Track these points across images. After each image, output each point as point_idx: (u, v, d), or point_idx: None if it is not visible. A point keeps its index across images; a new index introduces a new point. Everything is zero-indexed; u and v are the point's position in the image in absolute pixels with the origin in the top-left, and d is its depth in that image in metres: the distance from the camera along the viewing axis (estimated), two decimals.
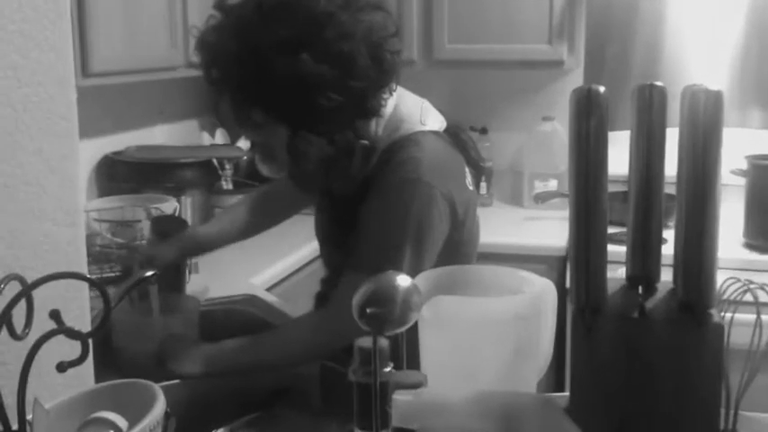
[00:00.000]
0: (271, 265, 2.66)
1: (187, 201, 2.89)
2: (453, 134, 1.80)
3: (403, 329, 1.01)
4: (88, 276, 1.00)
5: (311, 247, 2.64)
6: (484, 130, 3.67)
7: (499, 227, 3.26)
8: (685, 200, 1.06)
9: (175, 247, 2.01)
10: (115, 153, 2.95)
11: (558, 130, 3.54)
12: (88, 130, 2.86)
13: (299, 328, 1.76)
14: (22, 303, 0.96)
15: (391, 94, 1.70)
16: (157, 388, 1.05)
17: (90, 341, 0.98)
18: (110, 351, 1.77)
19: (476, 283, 1.31)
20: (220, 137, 3.43)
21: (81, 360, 0.97)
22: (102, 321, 0.97)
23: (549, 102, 3.60)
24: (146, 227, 2.26)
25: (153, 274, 1.80)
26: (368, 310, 0.98)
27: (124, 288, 1.70)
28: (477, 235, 1.83)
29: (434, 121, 1.76)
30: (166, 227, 2.04)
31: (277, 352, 1.69)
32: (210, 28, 1.60)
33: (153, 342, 1.75)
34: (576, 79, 3.57)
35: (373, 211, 1.66)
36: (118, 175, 2.87)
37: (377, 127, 1.70)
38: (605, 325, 1.08)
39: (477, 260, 1.85)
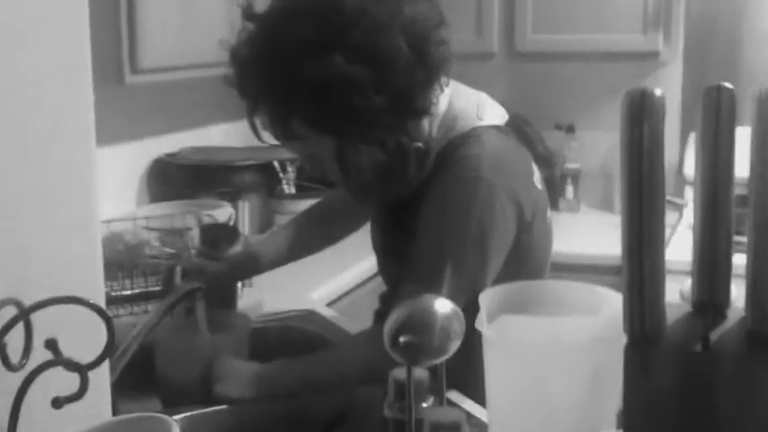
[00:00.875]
0: (332, 278, 2.66)
1: (244, 206, 2.88)
2: (518, 128, 1.78)
3: (441, 360, 1.00)
4: (89, 301, 0.97)
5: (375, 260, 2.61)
6: (570, 129, 3.61)
7: (586, 235, 3.19)
8: (754, 212, 1.00)
9: (228, 262, 2.01)
10: (169, 155, 2.98)
11: None
12: (139, 130, 2.89)
13: (356, 347, 1.75)
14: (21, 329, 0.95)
15: (442, 90, 1.68)
16: (173, 423, 1.04)
17: (108, 371, 0.96)
18: (152, 375, 1.78)
19: (548, 300, 1.29)
20: None
21: (79, 395, 0.95)
22: (105, 351, 0.96)
23: None
24: (197, 236, 2.26)
25: (199, 288, 1.83)
26: (401, 339, 0.98)
27: (167, 304, 1.74)
28: (548, 241, 1.80)
29: (494, 116, 1.74)
30: (216, 236, 2.05)
31: (332, 373, 1.68)
32: (241, 40, 1.62)
33: (199, 364, 1.75)
34: (673, 73, 3.48)
35: (430, 215, 1.65)
36: (171, 178, 2.90)
37: (430, 127, 1.69)
38: (662, 359, 1.03)
39: (552, 271, 1.82)
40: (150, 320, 1.70)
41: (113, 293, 2.15)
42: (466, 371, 1.33)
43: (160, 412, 1.61)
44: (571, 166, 3.62)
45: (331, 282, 2.64)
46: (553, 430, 1.17)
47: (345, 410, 1.64)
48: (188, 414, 1.62)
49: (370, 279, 2.72)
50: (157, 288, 2.18)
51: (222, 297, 1.99)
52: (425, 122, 1.68)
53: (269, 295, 2.34)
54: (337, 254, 2.62)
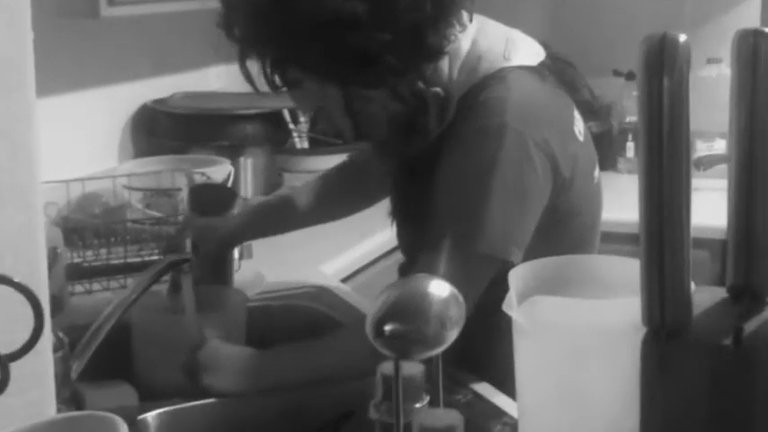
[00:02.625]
0: (347, 249, 2.64)
1: (247, 163, 2.89)
2: (557, 70, 1.76)
3: (436, 353, 0.99)
4: (10, 279, 0.94)
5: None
6: (631, 75, 3.55)
7: None
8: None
9: (223, 226, 2.01)
10: (157, 102, 2.97)
11: (727, 76, 3.39)
12: (121, 72, 2.88)
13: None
14: None
15: (463, 27, 1.68)
16: (121, 424, 1.02)
17: (51, 360, 0.93)
18: (128, 361, 1.78)
19: (590, 279, 1.27)
20: None
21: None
22: (31, 339, 0.94)
23: (715, 38, 3.45)
24: (186, 198, 2.24)
25: (184, 261, 1.80)
26: (386, 328, 0.97)
27: (147, 277, 1.73)
28: (595, 206, 1.80)
29: (525, 55, 1.72)
30: (208, 199, 2.04)
31: (341, 362, 1.68)
32: None
33: (183, 349, 1.73)
34: (751, 11, 3.43)
35: (448, 173, 1.65)
36: (159, 129, 2.90)
37: (450, 69, 1.68)
38: (686, 354, 1.02)
39: (602, 243, 1.82)
40: (127, 297, 1.69)
41: (86, 264, 2.13)
42: (497, 360, 1.33)
43: (135, 405, 1.63)
44: (632, 119, 3.56)
45: (346, 254, 2.61)
46: (591, 427, 1.17)
47: (353, 408, 1.61)
48: (169, 408, 1.61)
49: (391, 252, 2.69)
50: (138, 259, 2.16)
51: (213, 270, 1.97)
52: (444, 64, 1.68)
53: (271, 268, 2.32)
54: (354, 222, 2.60)
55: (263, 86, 1.68)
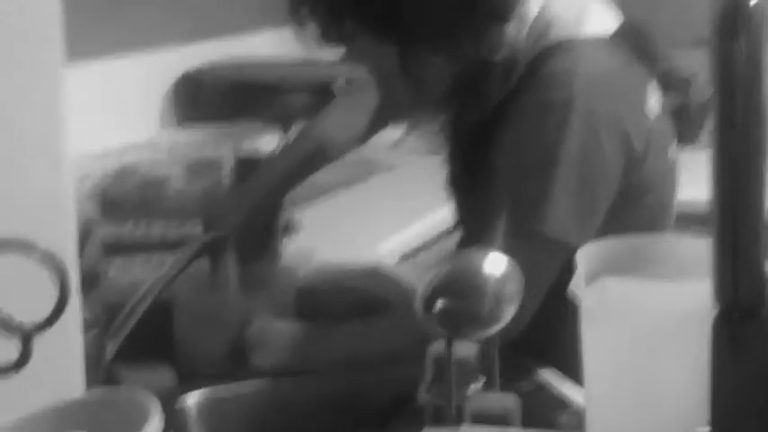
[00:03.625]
0: (406, 225, 2.64)
1: None
2: (632, 40, 1.75)
3: (492, 332, 1.00)
4: (36, 245, 0.96)
5: None
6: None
7: None
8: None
9: (263, 188, 2.02)
10: (200, 69, 2.98)
11: None
12: (161, 36, 2.89)
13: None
14: None
15: None
16: (153, 402, 1.04)
17: (79, 334, 0.95)
18: (167, 341, 1.80)
19: (663, 260, 1.27)
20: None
21: (19, 364, 0.96)
22: (56, 310, 0.95)
23: None
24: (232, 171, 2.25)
25: (225, 237, 1.82)
26: (438, 304, 0.97)
27: (186, 255, 1.75)
28: (671, 185, 1.80)
29: (598, 23, 1.73)
30: (253, 172, 2.02)
31: (392, 341, 1.70)
32: None
33: (226, 330, 1.77)
34: None
35: (511, 146, 1.66)
36: (203, 100, 2.92)
37: (517, 34, 1.69)
38: (759, 335, 1.01)
39: (678, 224, 1.82)
40: (164, 275, 1.72)
41: (124, 240, 2.14)
42: (563, 346, 1.32)
43: (174, 386, 1.65)
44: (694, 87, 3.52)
45: (406, 231, 2.62)
46: (663, 418, 1.16)
47: (409, 393, 1.62)
48: (209, 390, 1.64)
49: (453, 230, 2.68)
50: (179, 234, 2.17)
51: (257, 246, 1.99)
52: (510, 28, 1.67)
53: (322, 245, 2.32)
54: (414, 195, 2.62)
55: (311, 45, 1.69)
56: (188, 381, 1.73)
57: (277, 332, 1.73)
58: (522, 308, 1.54)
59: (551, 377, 1.65)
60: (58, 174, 1.16)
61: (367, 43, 1.65)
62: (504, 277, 0.99)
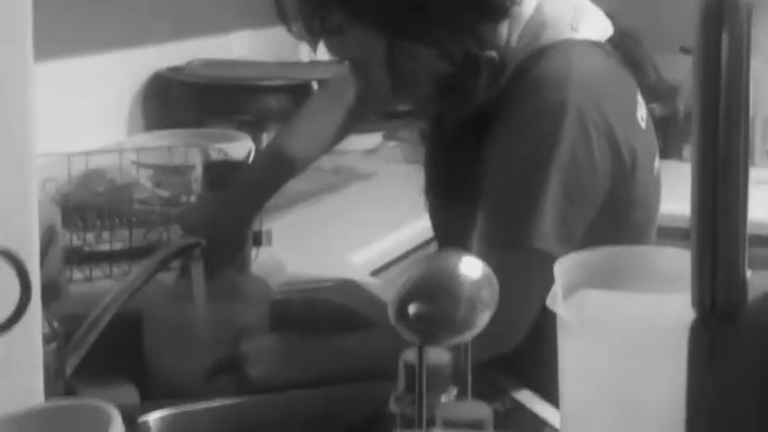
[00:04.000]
0: (379, 238, 2.63)
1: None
2: (623, 47, 1.76)
3: (465, 339, 1.00)
4: None
5: None
6: None
7: None
8: None
9: (236, 199, 1.99)
10: (172, 69, 2.97)
11: None
12: (133, 35, 2.87)
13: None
14: None
15: None
16: (114, 413, 1.03)
17: (40, 341, 0.94)
18: (129, 355, 1.80)
19: (643, 272, 1.27)
20: (325, 51, 3.40)
21: None
22: (17, 311, 0.96)
23: None
24: (201, 176, 2.24)
25: (195, 245, 1.81)
26: (411, 309, 0.97)
27: (151, 264, 1.73)
28: (654, 198, 1.80)
29: (594, 28, 1.73)
30: (224, 178, 2.03)
31: (371, 355, 1.68)
32: None
33: (193, 342, 1.78)
34: None
35: (500, 151, 1.66)
36: (174, 100, 2.91)
37: (509, 34, 1.69)
38: (739, 342, 1.01)
39: (659, 238, 1.83)
40: (130, 285, 1.70)
41: (87, 248, 2.14)
42: (539, 364, 1.32)
43: (136, 404, 1.63)
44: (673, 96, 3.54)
45: (378, 244, 2.60)
46: None
47: (383, 412, 1.61)
48: (174, 410, 1.63)
49: (428, 243, 2.69)
50: (145, 244, 2.17)
51: (227, 255, 1.97)
52: (504, 28, 1.69)
53: (293, 258, 2.31)
54: (387, 207, 2.61)
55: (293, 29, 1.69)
56: (153, 399, 1.72)
57: (275, 347, 1.74)
58: (516, 322, 1.59)
59: (526, 398, 1.64)
60: (24, 174, 1.15)
61: (354, 35, 1.66)
62: (480, 281, 0.99)
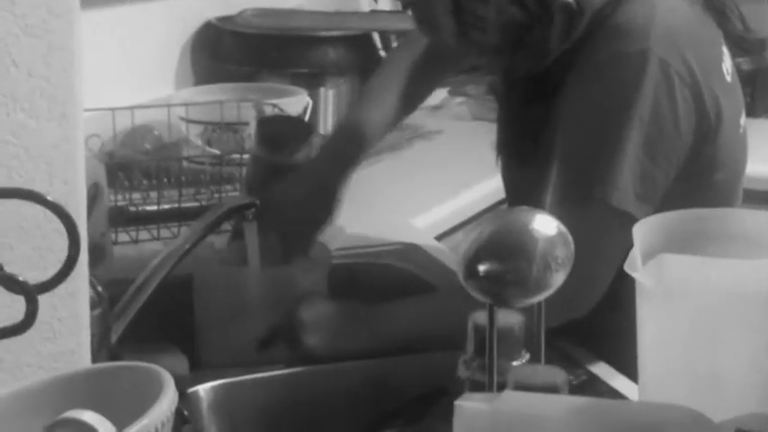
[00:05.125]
0: (445, 201, 2.63)
1: (327, 95, 2.90)
2: None
3: (538, 299, 1.00)
4: (43, 196, 0.96)
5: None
6: None
7: None
8: None
9: (321, 171, 1.99)
10: (222, 19, 2.97)
11: None
12: None
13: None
14: None
15: None
16: (166, 377, 1.04)
17: (87, 301, 0.95)
18: (180, 323, 1.82)
19: (729, 236, 1.27)
20: (387, 1, 3.40)
21: (23, 326, 0.95)
22: (65, 268, 0.95)
23: None
24: (254, 133, 2.24)
25: (248, 206, 1.81)
26: (481, 268, 0.96)
27: (201, 226, 1.74)
28: (741, 158, 1.79)
29: None
30: (279, 135, 2.03)
31: (438, 324, 1.69)
32: None
33: (246, 309, 1.79)
34: None
35: (577, 104, 1.66)
36: (225, 52, 2.90)
37: None
38: None
39: (745, 202, 1.82)
40: (178, 248, 1.70)
41: (133, 209, 2.15)
42: (617, 335, 1.33)
43: (185, 375, 1.65)
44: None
45: (443, 206, 2.61)
46: (724, 404, 1.14)
47: (447, 386, 1.62)
48: (226, 381, 1.64)
49: (498, 204, 2.68)
50: (195, 204, 2.18)
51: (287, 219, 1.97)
52: None
53: (354, 221, 2.31)
54: (453, 167, 2.60)
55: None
56: (204, 369, 1.74)
57: (334, 314, 1.74)
58: (590, 285, 1.59)
59: (602, 371, 1.64)
60: (69, 122, 1.15)
61: None
62: (555, 239, 0.99)
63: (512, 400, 1.00)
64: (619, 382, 1.59)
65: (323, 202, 1.97)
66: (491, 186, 2.63)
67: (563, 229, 0.99)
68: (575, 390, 1.49)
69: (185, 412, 1.07)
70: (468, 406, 0.98)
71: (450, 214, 2.60)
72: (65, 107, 1.14)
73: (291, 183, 1.93)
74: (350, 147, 2.02)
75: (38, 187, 1.01)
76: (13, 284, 0.95)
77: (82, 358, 1.21)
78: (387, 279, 2.12)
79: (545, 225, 0.98)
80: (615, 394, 1.56)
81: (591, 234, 1.50)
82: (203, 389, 1.61)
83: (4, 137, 1.11)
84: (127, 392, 1.04)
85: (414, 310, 1.75)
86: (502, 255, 0.97)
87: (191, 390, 1.59)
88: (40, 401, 1.05)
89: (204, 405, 1.60)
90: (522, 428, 0.98)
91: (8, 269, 0.98)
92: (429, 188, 2.64)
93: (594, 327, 1.63)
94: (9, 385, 1.07)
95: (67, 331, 1.14)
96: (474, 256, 0.97)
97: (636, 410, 1.07)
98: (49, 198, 0.96)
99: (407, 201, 2.55)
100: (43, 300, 0.97)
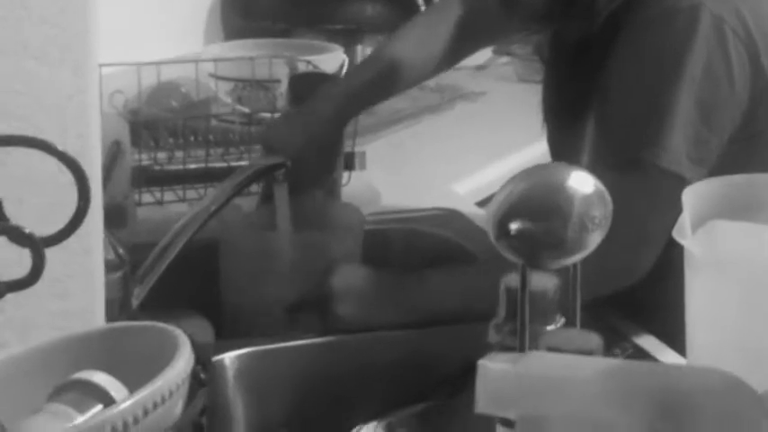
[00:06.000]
0: (487, 164, 2.63)
1: (365, 53, 2.90)
2: None
3: (574, 260, 0.98)
4: (51, 145, 0.95)
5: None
6: None
7: None
8: None
9: (327, 109, 1.97)
10: None
11: None
12: None
13: None
14: None
15: None
16: (182, 337, 1.04)
17: (101, 256, 0.94)
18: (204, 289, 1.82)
19: None
20: None
21: (29, 280, 0.94)
22: (74, 219, 0.95)
23: None
24: (286, 90, 2.24)
25: (278, 166, 1.81)
26: (512, 226, 0.94)
27: (228, 187, 1.74)
28: None
29: None
30: (311, 92, 2.01)
31: (477, 294, 1.67)
32: None
33: (275, 275, 1.79)
34: None
35: (625, 62, 1.65)
36: (256, 6, 2.92)
37: None
38: None
39: None
40: (203, 210, 1.70)
41: (158, 169, 2.15)
42: (665, 306, 1.33)
43: (210, 342, 1.65)
44: None
45: (485, 171, 2.60)
46: None
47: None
48: (252, 350, 1.63)
49: None
50: (223, 164, 2.18)
51: (318, 179, 1.98)
52: None
53: (389, 184, 2.32)
54: (497, 130, 2.60)
55: None
56: (229, 337, 1.74)
57: (368, 282, 1.73)
58: (638, 252, 1.59)
59: (649, 344, 1.63)
60: (83, 73, 1.15)
61: None
62: (591, 197, 0.97)
63: (538, 360, 1.00)
64: (666, 355, 1.58)
65: (325, 146, 1.97)
66: (536, 151, 2.61)
67: (600, 186, 0.97)
68: None
69: (202, 375, 1.06)
70: (493, 366, 0.96)
71: (492, 180, 2.56)
72: (79, 56, 1.14)
73: (295, 122, 1.94)
74: (367, 88, 2.02)
75: (49, 139, 1.00)
76: (19, 236, 0.94)
77: (95, 317, 1.21)
78: (424, 246, 2.11)
79: (581, 182, 0.97)
80: None
81: (640, 199, 1.52)
82: (228, 357, 1.60)
83: (13, 86, 1.11)
84: (141, 353, 1.04)
85: (452, 279, 1.74)
86: (535, 213, 0.95)
87: (215, 358, 1.59)
88: (50, 362, 1.05)
89: (229, 374, 1.59)
90: (548, 390, 0.97)
91: (19, 223, 0.97)
92: (471, 152, 2.64)
93: (641, 298, 1.63)
94: (18, 345, 1.08)
95: (80, 289, 1.14)
96: (505, 214, 0.95)
97: (669, 373, 1.05)
98: (58, 147, 0.96)
99: (448, 165, 2.55)
100: (54, 256, 0.96)
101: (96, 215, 1.13)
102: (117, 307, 1.47)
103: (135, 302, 1.54)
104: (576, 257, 0.97)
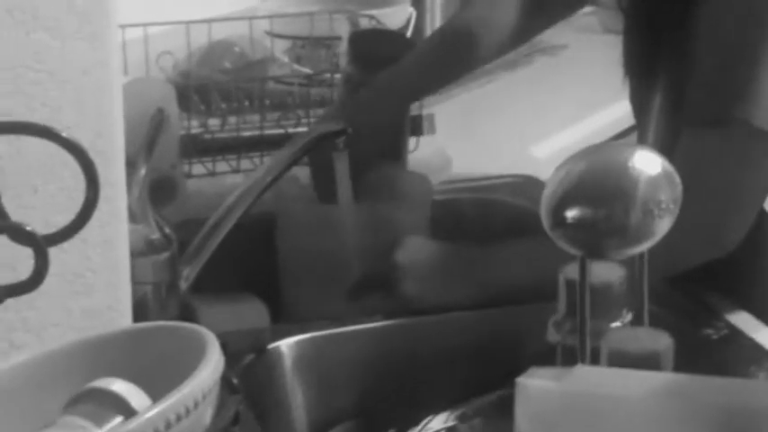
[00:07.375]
0: (568, 125, 2.64)
1: (435, 4, 2.90)
2: None
3: (640, 250, 0.98)
4: (57, 133, 0.94)
5: None
6: None
7: None
8: None
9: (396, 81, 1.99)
10: None
11: None
12: None
13: None
14: None
15: None
16: (211, 339, 1.01)
17: (126, 253, 0.93)
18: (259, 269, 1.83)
19: None
20: None
21: (30, 284, 0.94)
22: (81, 214, 0.94)
23: None
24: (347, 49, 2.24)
25: (339, 133, 1.80)
26: (569, 213, 0.94)
27: (286, 156, 1.74)
28: None
29: None
30: (376, 51, 2.03)
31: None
32: None
33: (336, 252, 1.81)
34: None
35: (714, 13, 1.63)
36: None
37: None
38: None
39: None
40: (259, 181, 1.70)
41: (210, 137, 2.15)
42: (760, 279, 1.28)
43: (266, 327, 1.65)
44: None
45: (566, 133, 2.61)
46: None
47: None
48: (312, 335, 1.63)
49: (630, 131, 2.66)
50: (280, 131, 2.17)
51: (383, 146, 1.99)
52: None
53: (460, 149, 2.31)
54: (579, 88, 2.58)
55: None
56: (287, 321, 1.75)
57: (437, 256, 1.73)
58: (731, 217, 1.58)
59: (745, 322, 1.62)
60: (100, 46, 1.15)
61: None
62: (658, 180, 0.97)
63: (585, 376, 0.99)
64: (764, 335, 1.57)
65: (392, 114, 2.00)
66: (621, 110, 2.60)
67: (668, 167, 0.96)
68: (714, 345, 1.48)
69: (234, 380, 1.05)
70: (533, 384, 0.96)
71: (574, 142, 2.57)
72: (96, 25, 1.14)
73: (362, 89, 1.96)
74: (444, 61, 2.03)
75: (65, 118, 1.00)
76: (20, 235, 0.94)
77: (121, 316, 1.21)
78: (499, 217, 2.11)
79: (647, 163, 0.96)
80: (760, 350, 1.55)
81: (731, 160, 1.52)
82: (286, 344, 1.61)
83: (23, 61, 1.10)
84: (170, 356, 1.03)
85: (529, 253, 1.72)
86: (594, 198, 0.95)
87: (271, 345, 1.59)
88: (68, 367, 1.04)
89: (287, 363, 1.60)
90: (596, 411, 0.96)
91: (33, 214, 0.99)
92: (551, 112, 2.65)
93: (736, 272, 1.62)
94: (33, 348, 1.08)
95: (103, 285, 1.14)
96: (561, 200, 0.95)
97: (736, 390, 1.02)
98: (62, 134, 0.95)
99: (525, 126, 2.56)
100: (74, 248, 0.97)
101: (120, 201, 1.13)
102: (164, 291, 1.48)
103: (184, 285, 1.55)
104: (642, 246, 0.97)
